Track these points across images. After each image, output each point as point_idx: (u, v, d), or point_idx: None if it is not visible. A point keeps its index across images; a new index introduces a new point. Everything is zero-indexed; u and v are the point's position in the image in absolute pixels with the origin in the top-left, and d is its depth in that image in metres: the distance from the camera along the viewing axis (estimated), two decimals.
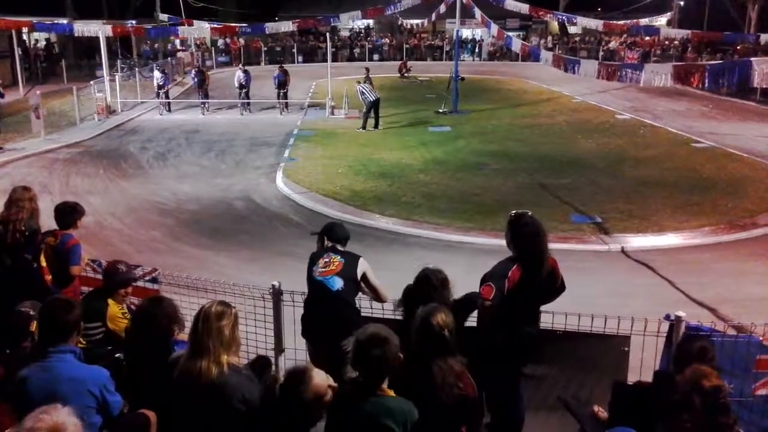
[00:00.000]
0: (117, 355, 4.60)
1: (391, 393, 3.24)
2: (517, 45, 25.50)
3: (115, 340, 4.67)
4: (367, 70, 23.88)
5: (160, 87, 23.34)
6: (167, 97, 23.76)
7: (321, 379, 3.10)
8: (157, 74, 23.67)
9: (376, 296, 4.97)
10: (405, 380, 3.39)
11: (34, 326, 4.58)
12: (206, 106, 23.47)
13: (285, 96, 23.54)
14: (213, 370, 3.29)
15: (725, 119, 22.44)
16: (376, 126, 19.94)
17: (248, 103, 23.45)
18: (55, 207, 5.78)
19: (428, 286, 4.30)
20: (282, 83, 23.35)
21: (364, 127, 19.74)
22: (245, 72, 23.54)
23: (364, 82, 20.79)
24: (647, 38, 39.20)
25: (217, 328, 3.34)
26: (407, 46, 42.86)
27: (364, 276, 4.88)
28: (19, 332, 4.06)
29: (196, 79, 24.40)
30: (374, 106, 19.78)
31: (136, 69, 26.77)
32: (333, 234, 5.14)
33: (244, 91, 23.37)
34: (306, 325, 4.91)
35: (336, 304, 4.73)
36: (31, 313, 4.62)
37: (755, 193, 12.97)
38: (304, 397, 3.01)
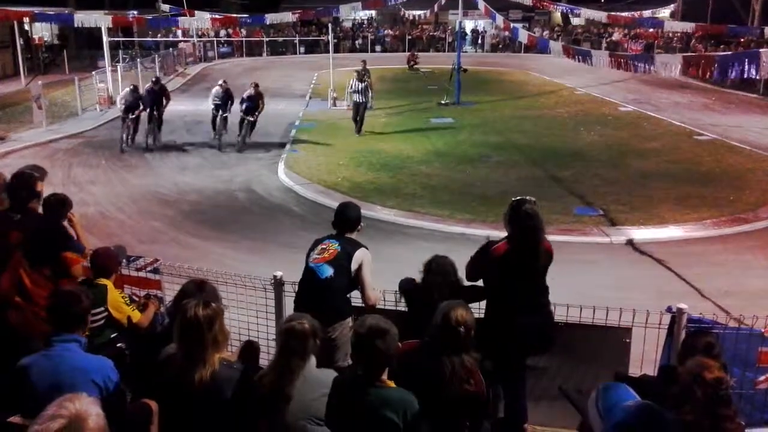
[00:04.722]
0: (119, 344, 4.63)
1: (391, 384, 3.25)
2: (523, 36, 25.42)
3: (118, 327, 4.68)
4: (364, 62, 21.60)
5: (128, 110, 15.81)
6: (135, 125, 16.26)
7: None
8: (125, 93, 16.34)
9: (362, 294, 4.80)
10: (416, 371, 3.43)
11: (39, 186, 4.62)
12: (155, 140, 16.55)
13: (251, 126, 16.70)
14: (207, 374, 3.31)
15: (728, 112, 22.38)
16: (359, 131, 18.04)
17: (220, 136, 16.61)
18: (44, 199, 5.38)
19: (438, 273, 4.47)
20: (251, 108, 16.52)
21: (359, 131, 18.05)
22: (225, 90, 16.87)
23: (363, 75, 19.07)
24: (650, 30, 39.04)
25: (211, 336, 3.32)
26: (410, 37, 42.74)
27: (359, 269, 4.73)
28: (26, 193, 4.10)
29: (148, 100, 16.30)
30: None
31: (138, 60, 26.68)
32: (338, 219, 4.96)
33: (221, 115, 16.47)
34: (296, 309, 4.89)
35: (323, 292, 4.64)
36: (36, 174, 4.67)
37: (758, 186, 12.95)
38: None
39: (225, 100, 16.74)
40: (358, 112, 17.99)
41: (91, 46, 33.25)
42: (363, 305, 4.85)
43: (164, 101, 16.88)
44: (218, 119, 16.64)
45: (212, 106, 16.80)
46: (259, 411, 3.28)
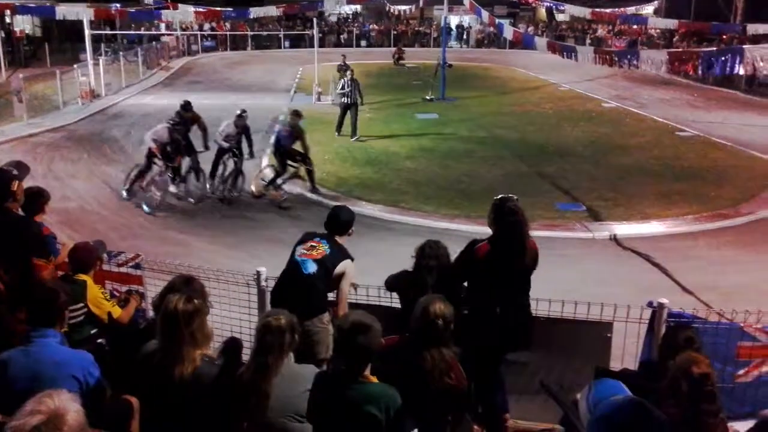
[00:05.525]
0: (99, 340, 4.59)
1: (374, 379, 3.26)
2: (509, 32, 25.50)
3: (98, 323, 4.63)
4: (344, 56, 21.14)
5: (167, 155, 11.22)
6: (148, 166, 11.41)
7: None
8: (160, 130, 11.31)
9: (336, 304, 4.80)
10: (397, 364, 3.45)
11: (15, 186, 4.54)
12: (179, 186, 11.74)
13: (309, 172, 12.19)
14: (188, 370, 3.28)
15: (710, 108, 22.56)
16: (338, 131, 17.08)
17: (229, 191, 11.85)
18: None
19: (431, 257, 4.56)
20: (286, 146, 11.85)
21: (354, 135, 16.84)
22: (242, 128, 11.71)
23: (346, 70, 18.43)
24: (635, 26, 39.29)
25: (188, 332, 3.29)
26: (395, 32, 42.67)
27: (341, 277, 4.78)
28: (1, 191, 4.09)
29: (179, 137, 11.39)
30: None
31: (121, 53, 26.42)
32: (330, 221, 5.00)
33: (233, 160, 11.81)
34: (273, 299, 4.91)
35: (304, 286, 4.68)
36: (14, 172, 4.59)
37: (738, 182, 13.09)
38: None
39: (240, 140, 11.77)
40: (345, 114, 16.90)
41: (74, 39, 32.87)
42: (354, 301, 4.93)
43: (201, 134, 12.09)
44: (224, 165, 11.89)
45: (225, 145, 11.61)
46: (239, 408, 3.27)
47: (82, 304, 4.50)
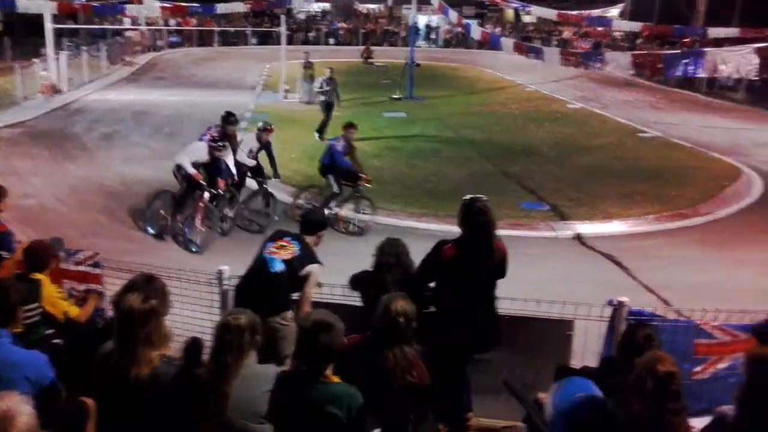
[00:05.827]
0: (55, 341, 4.48)
1: (336, 379, 3.24)
2: (476, 32, 25.68)
3: (54, 323, 4.52)
4: (307, 54, 21.73)
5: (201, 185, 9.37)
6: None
7: None
8: (194, 154, 9.44)
9: (300, 304, 4.87)
10: (359, 363, 3.44)
11: None
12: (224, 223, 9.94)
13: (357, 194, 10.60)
14: (144, 372, 3.21)
15: (672, 110, 23.04)
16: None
17: (267, 205, 10.67)
18: None
19: (390, 255, 4.63)
20: (345, 168, 10.44)
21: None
22: (266, 143, 10.56)
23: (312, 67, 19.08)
24: (600, 29, 39.88)
25: (144, 333, 3.21)
26: (364, 30, 42.62)
27: (305, 278, 4.84)
28: None
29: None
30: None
31: (83, 48, 25.88)
32: (303, 222, 5.20)
33: (257, 180, 10.68)
34: (237, 295, 4.93)
35: (269, 284, 4.74)
36: None
37: (698, 183, 13.37)
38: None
39: (257, 156, 10.45)
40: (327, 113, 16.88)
41: (37, 33, 32.06)
42: (318, 300, 4.93)
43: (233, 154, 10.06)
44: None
45: (252, 163, 10.30)
46: (198, 408, 3.22)
47: (37, 304, 4.39)
